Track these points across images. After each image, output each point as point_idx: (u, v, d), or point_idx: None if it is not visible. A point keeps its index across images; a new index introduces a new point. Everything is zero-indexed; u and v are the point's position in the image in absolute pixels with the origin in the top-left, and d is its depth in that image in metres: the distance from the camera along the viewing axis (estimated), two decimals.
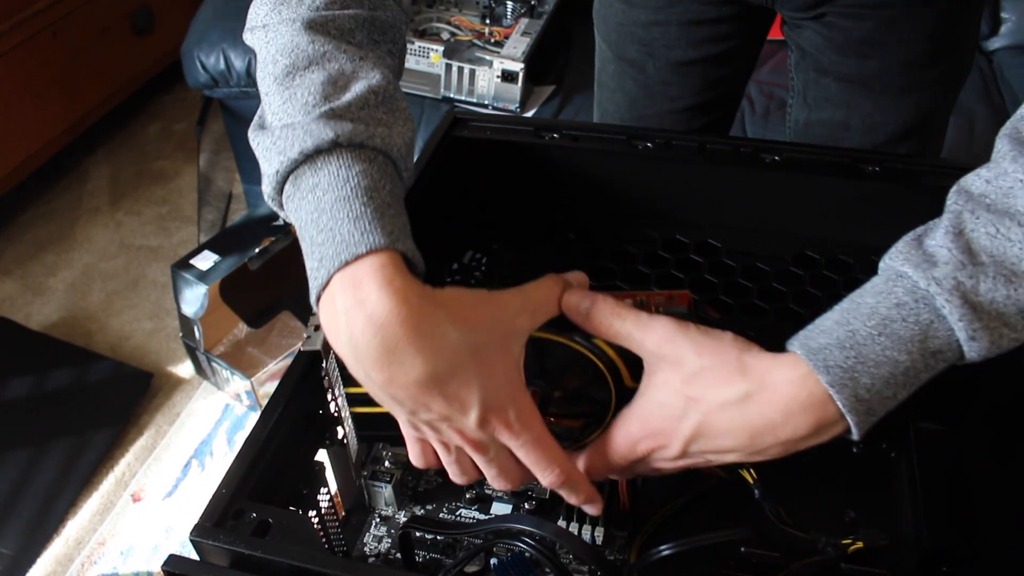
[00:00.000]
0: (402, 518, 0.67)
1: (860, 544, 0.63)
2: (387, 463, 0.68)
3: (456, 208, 0.73)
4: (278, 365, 1.59)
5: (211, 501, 0.49)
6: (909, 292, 0.46)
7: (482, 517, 0.66)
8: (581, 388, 0.55)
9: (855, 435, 0.48)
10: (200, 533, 0.47)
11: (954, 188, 0.50)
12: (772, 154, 0.80)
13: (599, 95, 1.09)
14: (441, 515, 0.66)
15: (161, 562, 1.39)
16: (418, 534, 0.64)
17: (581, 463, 0.54)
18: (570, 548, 0.53)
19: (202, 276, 1.52)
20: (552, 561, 0.51)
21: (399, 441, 0.53)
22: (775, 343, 0.72)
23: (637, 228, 0.84)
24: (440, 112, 1.63)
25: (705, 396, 0.47)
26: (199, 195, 2.06)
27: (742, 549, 0.65)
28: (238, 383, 1.59)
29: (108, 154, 2.49)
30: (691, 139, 0.82)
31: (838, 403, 0.46)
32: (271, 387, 1.60)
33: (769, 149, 0.80)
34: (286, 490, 0.56)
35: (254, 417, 1.62)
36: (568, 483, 0.51)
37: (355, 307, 0.44)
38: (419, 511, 0.67)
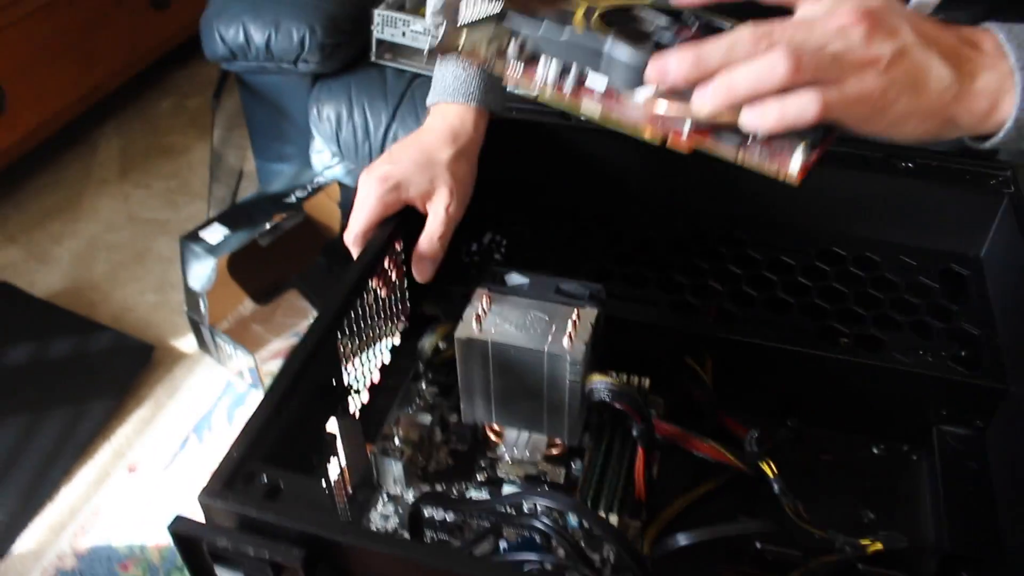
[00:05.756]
0: (410, 497, 0.65)
1: (879, 545, 0.62)
2: (398, 440, 0.66)
3: (478, 188, 0.72)
4: (282, 344, 1.58)
5: (221, 463, 0.47)
6: None
7: None
8: None
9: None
10: (209, 494, 0.46)
11: None
12: None
13: None
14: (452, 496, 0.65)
15: (155, 535, 1.36)
16: (427, 514, 0.62)
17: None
18: (587, 522, 0.51)
19: (211, 249, 1.50)
20: (564, 538, 0.50)
21: None
22: (798, 337, 0.71)
23: (661, 216, 0.82)
24: None
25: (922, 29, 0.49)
26: (211, 168, 2.04)
27: (758, 545, 0.63)
28: (241, 360, 1.58)
29: (119, 126, 2.48)
30: None
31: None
32: (274, 365, 1.58)
33: None
34: (296, 458, 0.55)
35: (256, 394, 1.61)
36: None
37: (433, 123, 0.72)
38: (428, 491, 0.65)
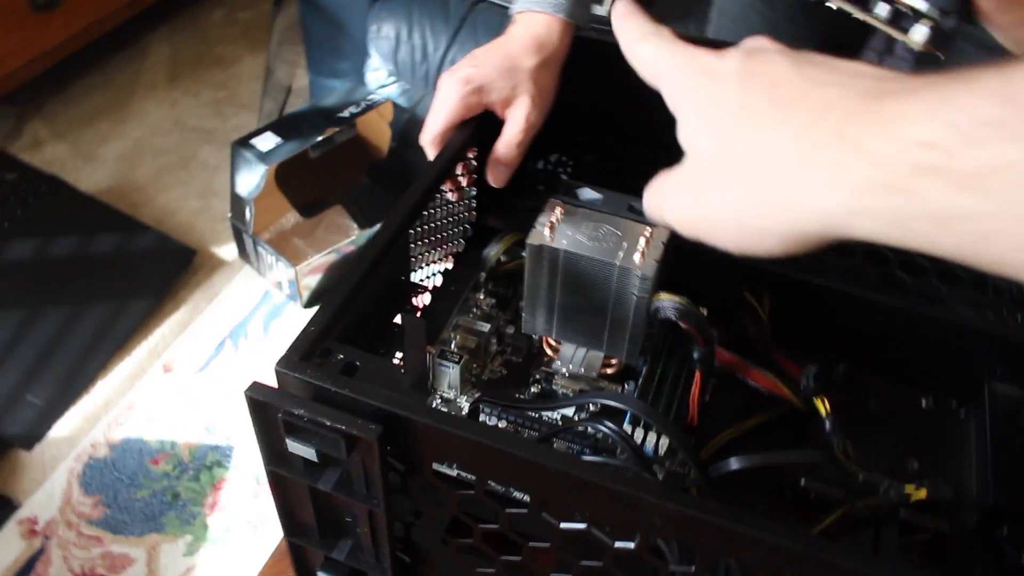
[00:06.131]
0: (463, 403, 0.66)
1: (924, 493, 0.62)
2: (454, 345, 0.67)
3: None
4: (322, 259, 1.58)
5: (299, 336, 0.48)
6: None
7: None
8: None
9: None
10: (287, 365, 0.46)
11: None
12: None
13: (718, 23, 1.05)
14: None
15: (187, 433, 1.39)
16: (481, 418, 0.63)
17: None
18: (656, 426, 0.52)
19: (262, 156, 1.50)
20: (628, 443, 0.50)
21: None
22: (860, 281, 0.70)
23: None
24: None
25: None
26: (265, 77, 2.03)
27: (802, 481, 0.64)
28: (282, 271, 1.59)
29: (170, 33, 2.47)
30: None
31: None
32: (313, 280, 1.60)
33: None
34: (364, 346, 0.55)
35: (293, 307, 1.62)
36: None
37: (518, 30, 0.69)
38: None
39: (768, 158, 0.33)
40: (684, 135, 0.39)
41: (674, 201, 0.41)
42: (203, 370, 1.54)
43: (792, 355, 0.71)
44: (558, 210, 0.62)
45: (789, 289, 0.71)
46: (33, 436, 1.45)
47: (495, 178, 0.66)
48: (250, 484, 1.36)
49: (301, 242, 1.64)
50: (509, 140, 0.65)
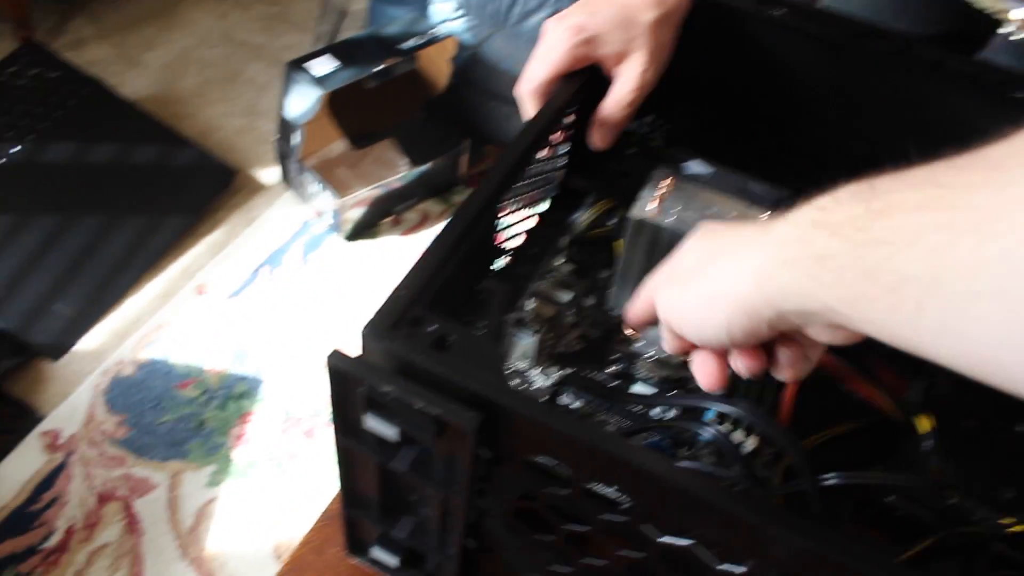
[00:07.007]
0: (536, 375, 0.62)
1: (1021, 528, 0.58)
2: (532, 312, 0.62)
3: None
4: (367, 192, 1.53)
5: (388, 300, 0.43)
6: None
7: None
8: None
9: None
10: (375, 332, 0.42)
11: None
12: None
13: None
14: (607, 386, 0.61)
15: (215, 359, 1.35)
16: (561, 397, 0.59)
17: None
18: (775, 438, 0.47)
19: (317, 81, 1.44)
20: (736, 452, 0.46)
21: None
22: None
23: (838, 136, 0.76)
24: None
25: None
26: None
27: (888, 498, 0.59)
28: (325, 200, 1.54)
29: None
30: (931, 51, 0.72)
31: None
32: (356, 213, 1.55)
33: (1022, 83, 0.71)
34: (449, 312, 0.51)
35: (333, 238, 1.58)
36: None
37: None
38: (556, 372, 0.62)
39: (727, 258, 0.41)
40: (683, 249, 0.46)
41: (661, 291, 0.47)
42: (236, 295, 1.50)
43: (888, 362, 0.67)
44: (666, 183, 0.57)
45: None
46: (60, 347, 1.42)
47: (600, 138, 0.61)
48: (278, 419, 1.33)
49: (347, 173, 1.58)
50: (620, 99, 0.60)
